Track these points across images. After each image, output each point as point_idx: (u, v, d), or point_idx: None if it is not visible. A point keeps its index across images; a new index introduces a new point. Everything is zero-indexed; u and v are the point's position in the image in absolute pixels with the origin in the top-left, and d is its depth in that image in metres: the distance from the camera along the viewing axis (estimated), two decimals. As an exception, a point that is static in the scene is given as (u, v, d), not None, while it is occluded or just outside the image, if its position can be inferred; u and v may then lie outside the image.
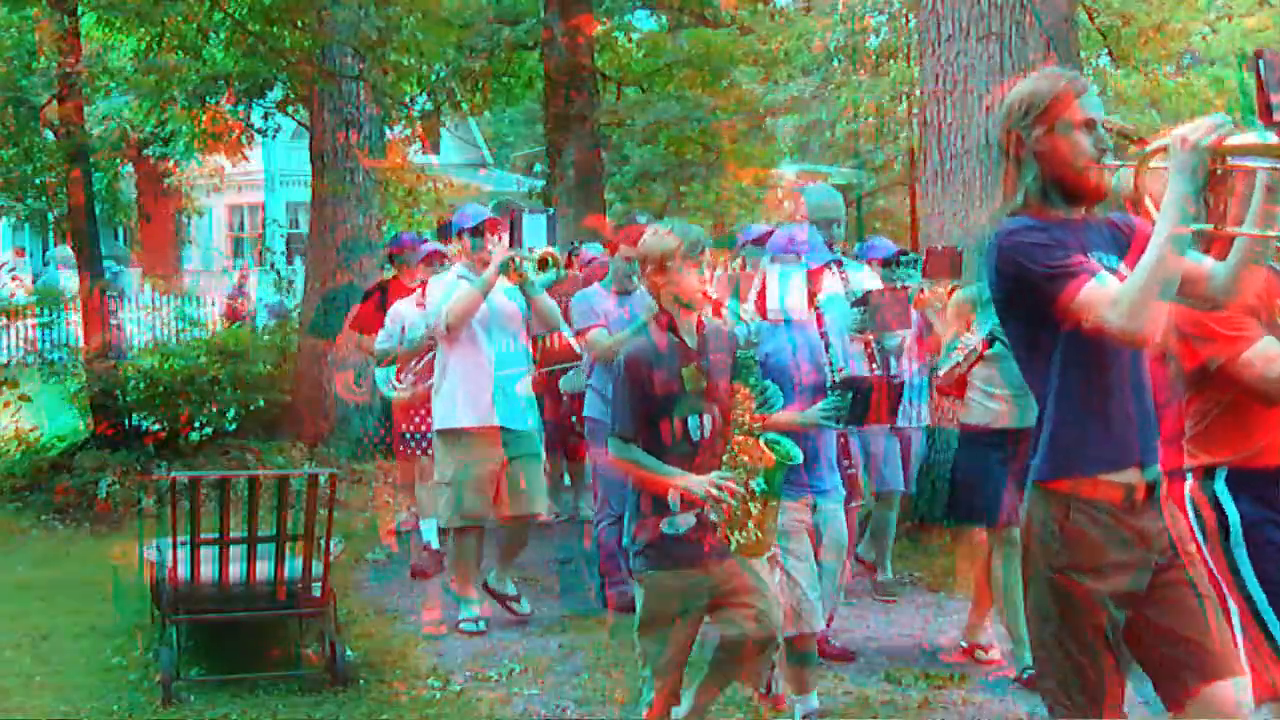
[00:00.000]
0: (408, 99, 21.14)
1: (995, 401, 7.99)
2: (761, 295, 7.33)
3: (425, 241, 13.00)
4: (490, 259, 9.42)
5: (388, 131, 19.38)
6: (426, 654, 8.84)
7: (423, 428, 11.16)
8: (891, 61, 33.37)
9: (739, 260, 9.43)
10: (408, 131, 22.76)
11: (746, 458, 6.09)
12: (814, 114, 35.92)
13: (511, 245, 10.89)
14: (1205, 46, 31.62)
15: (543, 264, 9.51)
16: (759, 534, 6.09)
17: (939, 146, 11.47)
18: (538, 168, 40.76)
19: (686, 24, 25.94)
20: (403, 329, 11.21)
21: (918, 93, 13.35)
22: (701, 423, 6.12)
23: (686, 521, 6.07)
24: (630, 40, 26.88)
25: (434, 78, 21.97)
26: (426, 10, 17.26)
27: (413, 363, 11.23)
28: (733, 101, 26.27)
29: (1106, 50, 27.41)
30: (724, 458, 6.13)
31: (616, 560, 9.13)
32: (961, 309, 8.34)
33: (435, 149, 38.82)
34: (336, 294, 15.29)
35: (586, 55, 22.19)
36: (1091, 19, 23.84)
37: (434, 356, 10.03)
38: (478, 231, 9.64)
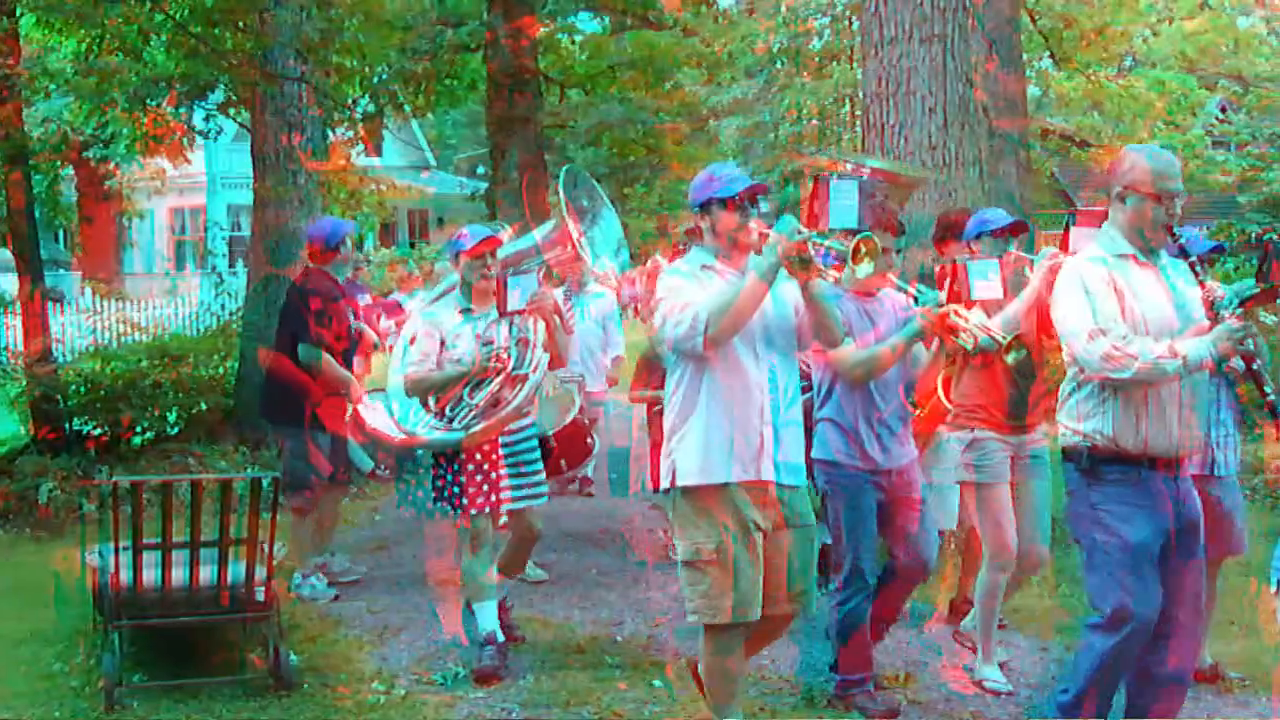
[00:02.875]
0: (350, 101, 21.09)
1: None
2: None
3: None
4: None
5: (330, 134, 19.30)
6: (371, 658, 8.81)
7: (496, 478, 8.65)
8: (834, 64, 33.60)
9: None
10: (350, 134, 22.74)
11: None
12: (757, 116, 36.10)
13: (814, 220, 7.24)
14: (1146, 49, 31.95)
15: (856, 254, 6.47)
16: None
17: (882, 149, 11.49)
18: (481, 170, 40.79)
19: (630, 26, 25.98)
20: (440, 342, 8.52)
21: (860, 95, 13.37)
22: None
23: None
24: (573, 42, 26.93)
25: (376, 80, 21.96)
26: (369, 12, 17.24)
27: (465, 390, 8.50)
28: (676, 103, 26.36)
29: (1048, 53, 27.65)
30: None
31: (862, 648, 7.84)
32: None
33: (378, 151, 38.80)
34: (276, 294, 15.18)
35: (530, 57, 22.22)
36: (1034, 21, 24.01)
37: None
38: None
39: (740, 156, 39.82)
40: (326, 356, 10.30)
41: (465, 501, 8.36)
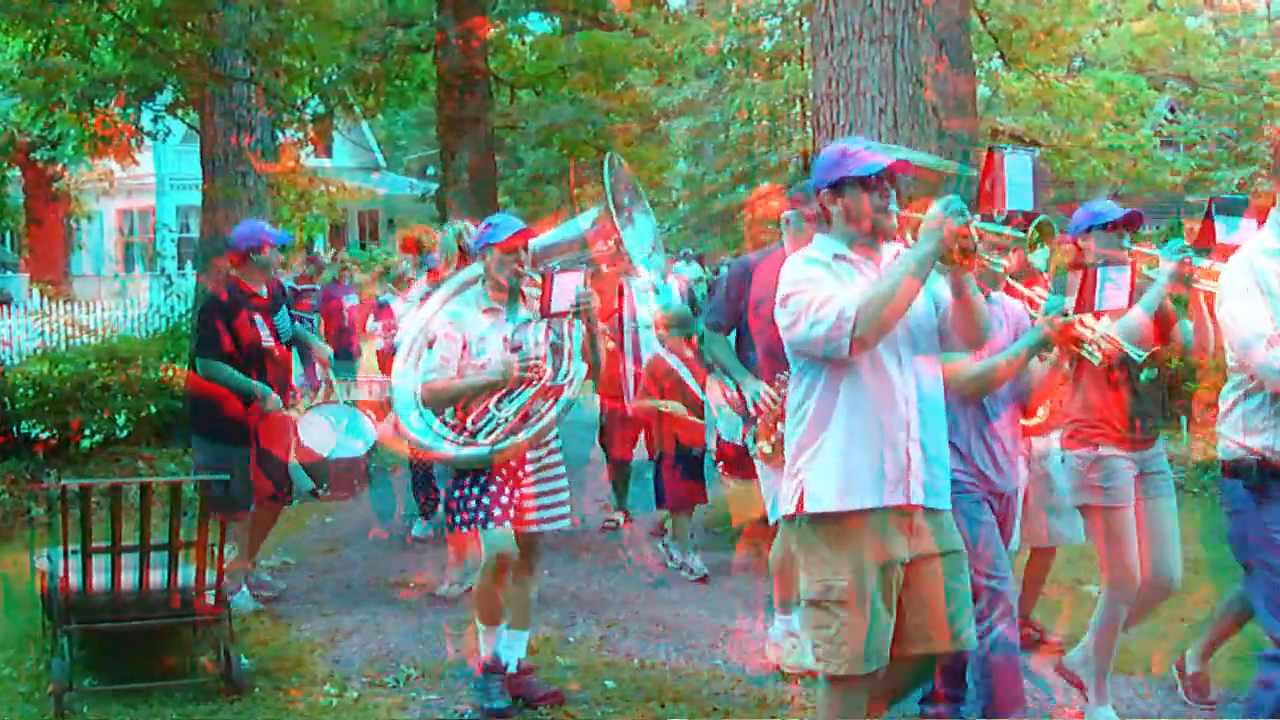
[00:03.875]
0: (300, 102, 21.03)
1: None
2: None
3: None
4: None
5: (280, 135, 19.25)
6: (322, 660, 8.77)
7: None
8: (785, 64, 33.66)
9: None
10: (300, 135, 22.65)
11: None
12: (708, 116, 36.13)
13: (989, 199, 6.56)
14: (1095, 49, 32.13)
15: (1034, 239, 5.65)
16: None
17: (832, 149, 11.52)
18: (431, 171, 40.73)
19: (580, 26, 25.98)
20: (464, 346, 7.61)
21: (811, 95, 13.40)
22: None
23: None
24: (524, 43, 26.91)
25: (326, 80, 21.88)
26: (318, 12, 17.19)
27: (494, 402, 7.63)
28: (627, 104, 26.37)
29: (998, 53, 27.80)
30: None
31: (1016, 680, 6.95)
32: None
33: (328, 152, 38.70)
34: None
35: (480, 58, 22.19)
36: (983, 22, 24.12)
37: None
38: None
39: (691, 157, 39.87)
40: (225, 368, 9.74)
41: (487, 518, 7.50)
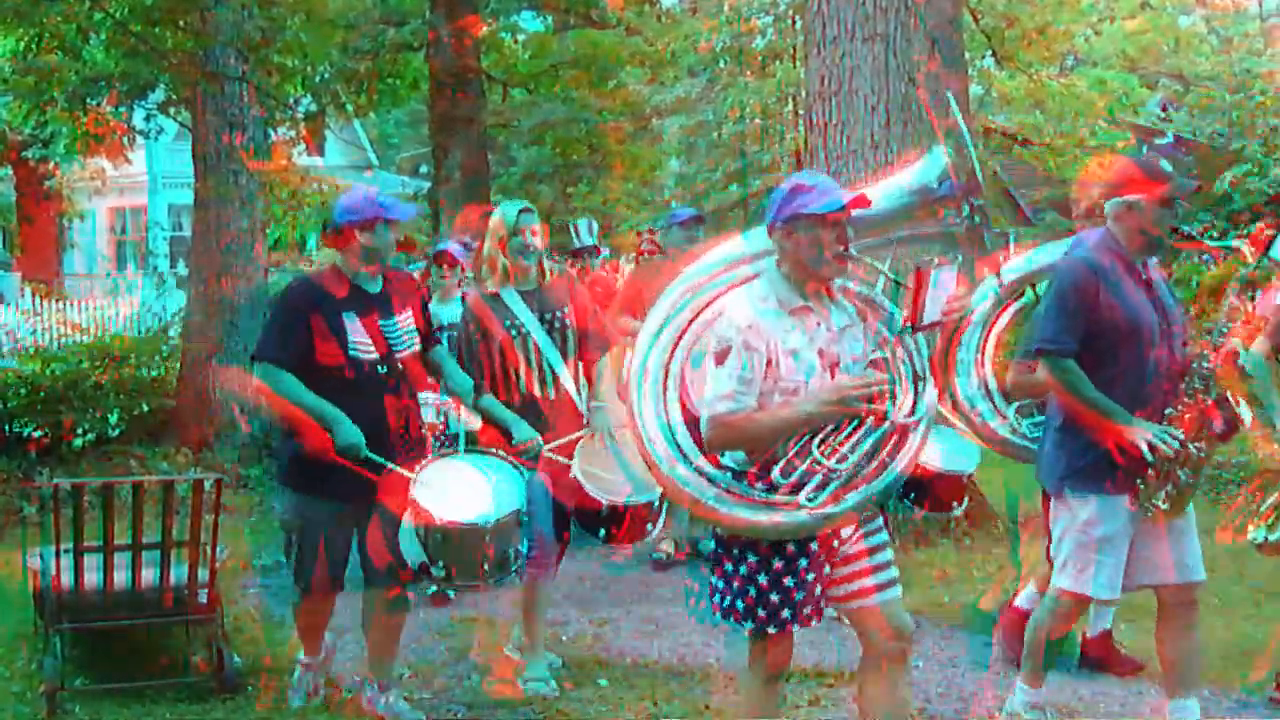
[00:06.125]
0: (292, 100, 20.99)
1: None
2: None
3: None
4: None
5: (272, 133, 19.24)
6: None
7: None
8: (777, 62, 33.60)
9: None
10: (292, 133, 22.61)
11: None
12: (700, 115, 36.07)
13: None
14: (1088, 48, 32.13)
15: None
16: None
17: (825, 148, 11.53)
18: (424, 169, 40.66)
19: (573, 25, 25.95)
20: (769, 363, 5.56)
21: (803, 94, 13.40)
22: None
23: None
24: (516, 41, 26.86)
25: (318, 79, 21.85)
26: (310, 11, 17.18)
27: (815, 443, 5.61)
28: (619, 102, 26.36)
29: (991, 52, 27.81)
30: None
31: None
32: None
33: (320, 151, 38.65)
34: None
35: (472, 56, 22.15)
36: (976, 21, 24.13)
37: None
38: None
39: (683, 155, 39.84)
40: (286, 377, 7.18)
41: (794, 615, 5.57)
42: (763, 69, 34.47)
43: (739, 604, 5.60)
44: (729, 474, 5.54)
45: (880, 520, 5.79)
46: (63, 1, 15.28)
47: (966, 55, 21.28)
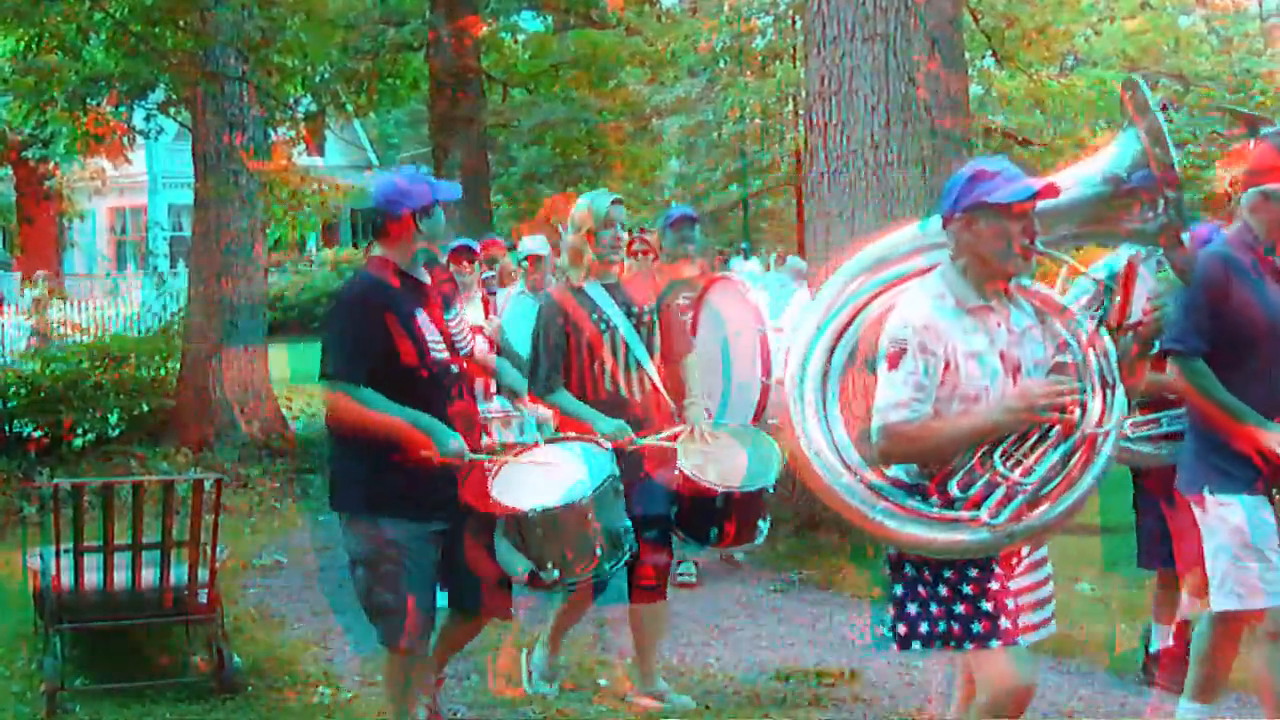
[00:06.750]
0: (292, 100, 21.00)
1: None
2: None
3: None
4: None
5: (272, 133, 19.24)
6: (316, 660, 8.76)
7: None
8: (777, 62, 33.62)
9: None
10: (292, 133, 22.62)
11: None
12: (700, 115, 36.10)
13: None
14: (1088, 48, 32.10)
15: None
16: None
17: (825, 148, 11.49)
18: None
19: (573, 25, 25.95)
20: (946, 366, 5.10)
21: (803, 94, 13.38)
22: None
23: None
24: (516, 41, 26.87)
25: (318, 79, 21.86)
26: (310, 11, 17.18)
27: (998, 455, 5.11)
28: (619, 102, 26.36)
29: (991, 52, 27.78)
30: None
31: None
32: None
33: (320, 151, 38.69)
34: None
35: (472, 56, 22.16)
36: (976, 21, 24.09)
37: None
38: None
39: (683, 155, 39.85)
40: (377, 398, 6.32)
41: (993, 633, 4.98)
42: (763, 69, 34.51)
43: (942, 625, 5.01)
44: (902, 488, 5.02)
45: (1046, 549, 5.27)
46: (63, 1, 15.28)
47: (966, 55, 21.29)
